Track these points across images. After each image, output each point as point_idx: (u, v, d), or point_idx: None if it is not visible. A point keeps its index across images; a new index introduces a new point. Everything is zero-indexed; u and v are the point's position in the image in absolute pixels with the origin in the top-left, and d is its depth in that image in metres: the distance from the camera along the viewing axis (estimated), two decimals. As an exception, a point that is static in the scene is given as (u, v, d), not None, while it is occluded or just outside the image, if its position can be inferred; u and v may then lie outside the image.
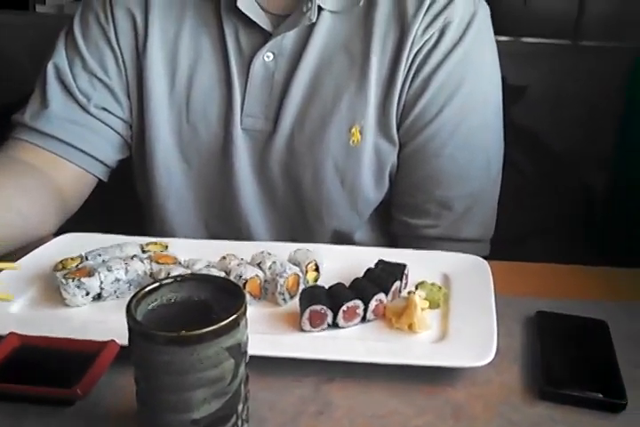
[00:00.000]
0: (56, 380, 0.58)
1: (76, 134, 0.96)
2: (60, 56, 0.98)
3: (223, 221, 1.04)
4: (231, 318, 0.49)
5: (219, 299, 0.53)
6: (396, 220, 1.03)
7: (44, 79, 0.97)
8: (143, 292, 0.52)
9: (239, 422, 0.52)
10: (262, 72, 0.95)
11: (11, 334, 0.62)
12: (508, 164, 1.02)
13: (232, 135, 0.97)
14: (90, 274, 0.72)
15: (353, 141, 0.94)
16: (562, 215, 1.29)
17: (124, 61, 0.98)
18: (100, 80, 0.98)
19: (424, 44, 0.91)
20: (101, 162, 1.00)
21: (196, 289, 0.54)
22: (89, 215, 1.06)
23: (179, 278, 0.54)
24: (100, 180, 1.02)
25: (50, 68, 0.97)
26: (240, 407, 0.52)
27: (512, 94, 1.08)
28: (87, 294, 0.72)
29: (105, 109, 0.98)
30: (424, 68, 0.92)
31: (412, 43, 0.91)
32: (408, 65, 0.92)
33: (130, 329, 0.49)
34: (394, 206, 1.02)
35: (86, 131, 0.97)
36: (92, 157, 0.98)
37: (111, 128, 0.99)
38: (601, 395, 0.60)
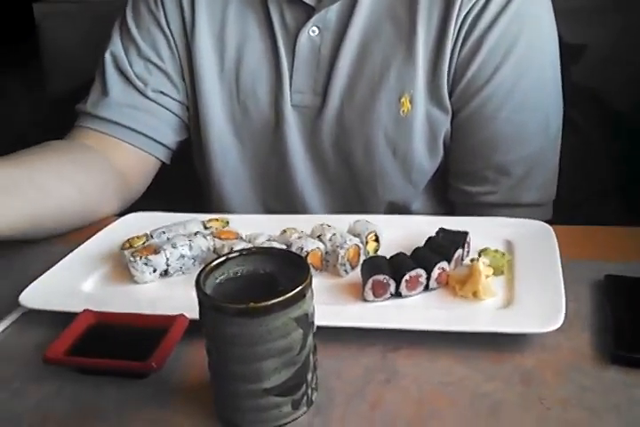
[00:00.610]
0: (131, 354, 0.60)
1: (137, 119, 0.99)
2: (116, 45, 1.01)
3: (279, 197, 1.05)
4: (298, 289, 0.49)
5: (283, 271, 0.54)
6: (454, 188, 1.01)
7: (103, 68, 1.00)
8: (210, 266, 0.53)
9: (309, 391, 0.53)
10: (308, 47, 0.95)
11: (85, 311, 0.64)
12: (567, 124, 0.99)
13: (282, 112, 0.97)
14: (156, 251, 0.74)
15: (403, 111, 0.93)
16: (621, 178, 1.25)
17: (175, 45, 1.00)
18: (155, 65, 1.00)
19: (473, 5, 0.88)
20: (162, 144, 1.02)
21: (261, 262, 0.55)
22: (151, 196, 1.08)
23: (244, 252, 0.55)
24: (162, 162, 1.04)
25: (107, 57, 1.00)
26: (309, 376, 0.53)
27: (571, 54, 1.04)
28: (154, 270, 0.74)
29: (162, 93, 1.00)
30: (474, 31, 0.89)
31: (461, 5, 0.88)
32: (457, 28, 0.89)
33: (200, 302, 0.50)
34: (450, 174, 1.01)
35: (146, 115, 1.00)
36: (152, 139, 1.01)
37: (169, 110, 1.02)
38: (675, 358, 0.59)
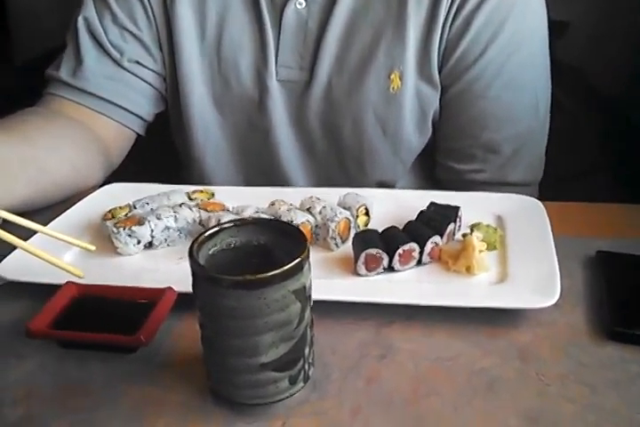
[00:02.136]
0: (117, 328, 0.57)
1: (113, 90, 0.95)
2: (89, 9, 0.96)
3: (262, 174, 1.02)
4: (296, 261, 0.47)
5: (279, 242, 0.52)
6: (441, 165, 1.00)
7: (76, 33, 0.95)
8: (203, 236, 0.50)
9: (306, 366, 0.52)
10: (295, 20, 0.91)
11: (68, 283, 0.62)
12: (551, 103, 0.98)
13: (267, 87, 0.94)
14: (140, 223, 0.71)
15: (393, 88, 0.91)
16: (607, 156, 1.25)
17: (153, 13, 0.96)
18: (131, 33, 0.95)
19: None
20: (139, 116, 0.99)
21: (256, 233, 0.53)
22: (128, 170, 1.05)
23: (238, 223, 0.52)
24: (138, 134, 1.01)
25: (80, 21, 0.95)
26: (307, 351, 0.51)
27: (554, 30, 1.03)
28: (139, 242, 0.71)
29: (138, 63, 0.96)
30: (466, 6, 0.87)
31: None
32: (448, 5, 0.87)
33: (194, 273, 0.48)
34: (438, 152, 1.00)
35: (122, 86, 0.96)
36: (129, 112, 0.97)
37: (145, 81, 0.98)
38: (672, 334, 0.58)
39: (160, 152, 1.14)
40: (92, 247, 0.60)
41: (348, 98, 0.93)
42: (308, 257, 0.49)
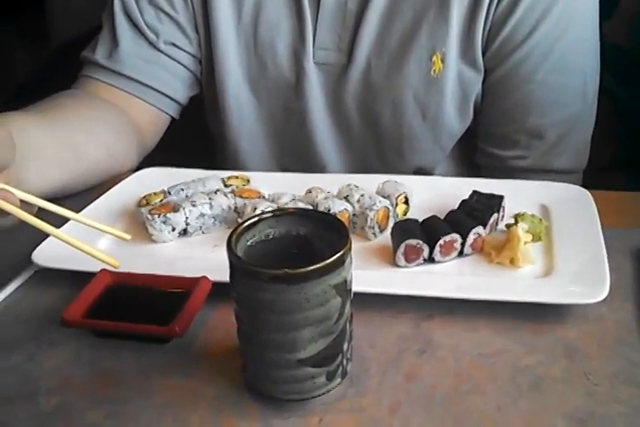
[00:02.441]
0: (151, 317, 0.57)
1: (148, 72, 0.94)
2: None
3: (297, 159, 1.00)
4: (338, 255, 0.46)
5: (319, 234, 0.50)
6: (483, 151, 0.97)
7: (112, 15, 0.94)
8: (242, 227, 0.49)
9: (344, 362, 0.50)
10: (334, 2, 0.89)
11: (102, 271, 0.61)
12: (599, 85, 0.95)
13: (304, 70, 0.92)
14: (175, 209, 0.70)
15: (434, 71, 0.88)
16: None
17: None
18: (167, 14, 0.94)
19: None
20: (174, 100, 0.97)
21: (295, 224, 0.51)
22: (162, 153, 1.04)
23: (277, 213, 0.51)
24: (172, 118, 0.99)
25: (116, 2, 0.94)
26: (345, 346, 0.50)
27: (603, 9, 0.98)
28: (173, 229, 0.70)
29: (174, 45, 0.95)
30: None
31: None
32: None
33: (231, 266, 0.46)
34: (480, 137, 0.97)
35: (157, 68, 0.95)
36: (164, 95, 0.96)
37: (181, 64, 0.96)
38: None
39: (194, 136, 1.13)
40: (128, 236, 0.59)
41: (387, 81, 0.90)
42: (349, 250, 0.48)
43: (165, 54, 0.95)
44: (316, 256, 0.46)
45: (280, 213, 0.51)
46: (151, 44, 0.94)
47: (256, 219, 0.50)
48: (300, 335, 0.46)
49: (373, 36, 0.89)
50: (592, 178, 0.99)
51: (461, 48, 0.88)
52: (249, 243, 0.50)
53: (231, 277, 0.47)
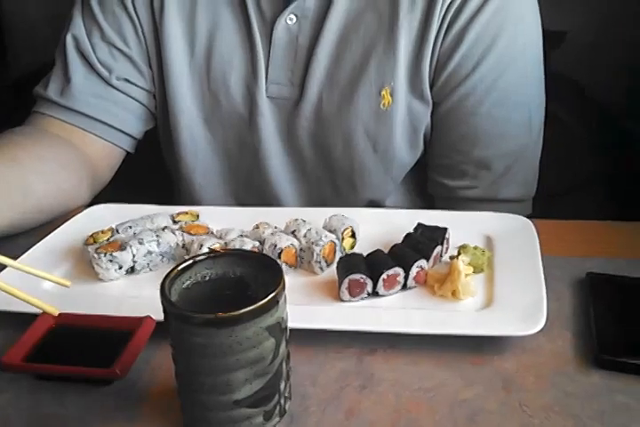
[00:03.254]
0: (94, 359, 0.57)
1: (101, 108, 0.95)
2: (78, 27, 0.95)
3: (251, 193, 1.01)
4: (270, 297, 0.46)
5: (255, 274, 0.51)
6: (433, 181, 0.99)
7: (64, 51, 0.95)
8: (176, 270, 0.49)
9: (282, 401, 0.51)
10: (285, 36, 0.91)
11: (44, 312, 0.61)
12: (546, 114, 0.97)
13: (257, 104, 0.93)
14: (122, 247, 0.70)
15: (383, 104, 0.90)
16: (601, 170, 1.23)
17: (142, 30, 0.95)
18: (120, 50, 0.95)
19: None
20: (128, 134, 0.98)
21: (231, 265, 0.52)
22: (118, 188, 1.04)
23: (212, 255, 0.51)
24: (127, 152, 1.00)
25: (69, 39, 0.95)
26: (282, 386, 0.50)
27: (551, 40, 1.01)
28: (120, 267, 0.70)
29: (127, 80, 0.96)
30: (458, 20, 0.86)
31: None
32: (440, 18, 0.86)
33: (165, 310, 0.47)
34: (429, 168, 0.98)
35: (110, 104, 0.95)
36: (117, 130, 0.97)
37: (134, 99, 0.97)
38: (661, 362, 0.57)
39: (152, 170, 1.13)
40: (67, 283, 0.59)
41: (338, 115, 0.92)
42: (283, 290, 0.48)
43: (118, 90, 0.95)
44: (250, 298, 0.46)
45: (216, 255, 0.52)
46: (104, 79, 0.95)
47: (191, 261, 0.50)
48: (233, 377, 0.47)
49: (324, 71, 0.91)
50: (545, 204, 1.01)
51: (409, 82, 0.90)
52: (184, 285, 0.50)
53: (165, 320, 0.48)
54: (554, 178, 1.07)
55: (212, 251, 0.52)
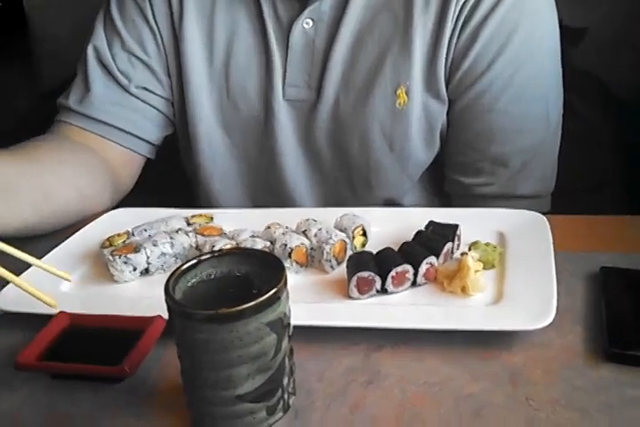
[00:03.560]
0: (106, 357, 0.58)
1: (119, 116, 0.97)
2: (99, 37, 0.98)
3: (269, 195, 1.02)
4: (271, 293, 0.47)
5: (259, 272, 0.52)
6: (449, 179, 0.99)
7: (85, 62, 0.98)
8: (181, 269, 0.51)
9: (285, 396, 0.51)
10: (302, 40, 0.92)
11: (60, 313, 0.63)
12: (566, 110, 0.96)
13: (274, 107, 0.94)
14: (136, 250, 0.72)
15: (399, 104, 0.90)
16: (621, 166, 1.21)
17: (162, 39, 0.97)
18: (139, 59, 0.97)
19: None
20: (146, 141, 1.00)
21: (236, 263, 0.53)
22: (140, 191, 1.06)
23: (216, 253, 0.52)
24: (148, 158, 1.02)
25: (90, 50, 0.98)
26: (285, 381, 0.51)
27: (571, 37, 1.01)
28: (134, 269, 0.72)
29: (146, 89, 0.98)
30: (472, 19, 0.86)
31: None
32: (455, 18, 0.86)
33: (168, 308, 0.48)
34: (446, 165, 0.98)
35: (129, 111, 0.97)
36: (136, 137, 0.99)
37: (153, 107, 0.99)
38: (671, 355, 0.56)
39: (172, 175, 1.15)
40: (68, 276, 0.63)
41: (355, 115, 0.92)
42: (284, 287, 0.49)
43: (137, 98, 0.98)
44: (253, 295, 0.47)
45: (220, 254, 0.53)
46: (123, 88, 0.97)
47: (195, 260, 0.51)
48: (235, 372, 0.48)
49: (340, 72, 0.91)
50: (564, 201, 1.00)
51: (425, 81, 0.90)
52: (189, 284, 0.51)
53: (169, 318, 0.49)
54: (575, 175, 1.06)
55: (215, 250, 0.53)
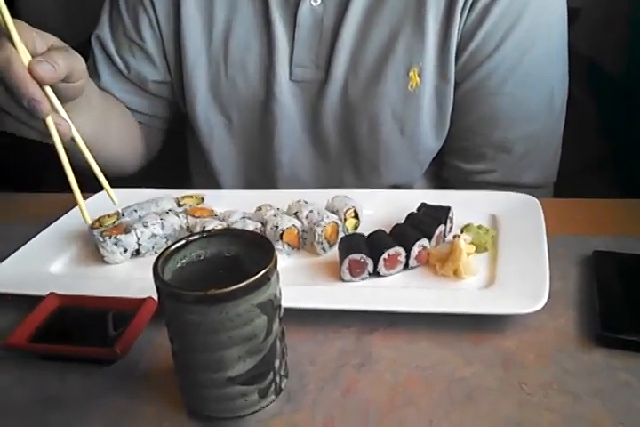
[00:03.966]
0: (97, 339, 0.58)
1: (130, 101, 1.00)
2: (103, 27, 0.98)
3: (268, 179, 1.00)
4: (261, 274, 0.46)
5: (249, 253, 0.51)
6: (450, 165, 0.97)
7: (93, 52, 0.98)
8: (170, 250, 0.50)
9: (277, 378, 0.51)
10: (310, 18, 0.89)
11: (50, 294, 0.62)
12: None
13: (279, 88, 0.92)
14: (126, 231, 0.71)
15: (411, 86, 0.87)
16: (614, 150, 1.20)
17: (157, 20, 0.95)
18: (137, 45, 0.96)
19: None
20: (160, 117, 1.03)
21: (226, 244, 0.52)
22: (141, 176, 1.05)
23: (205, 234, 0.52)
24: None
25: (94, 40, 0.98)
26: (277, 363, 0.51)
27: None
28: (125, 250, 0.71)
29: (144, 76, 0.98)
30: (480, 1, 0.84)
31: None
32: None
33: (157, 289, 0.48)
34: (447, 151, 0.96)
35: (137, 97, 1.00)
36: (150, 115, 1.02)
37: (155, 94, 1.00)
38: (663, 339, 0.56)
39: (166, 158, 1.14)
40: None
41: (364, 96, 0.90)
42: (274, 268, 0.49)
43: (137, 85, 0.99)
44: (243, 276, 0.47)
45: (210, 234, 0.52)
46: (125, 76, 0.98)
47: (184, 241, 0.51)
48: (226, 354, 0.47)
49: (349, 52, 0.89)
50: (558, 185, 0.99)
51: (438, 62, 0.87)
52: (179, 265, 0.51)
53: (159, 300, 0.48)
54: (567, 158, 1.05)
55: (204, 231, 0.52)
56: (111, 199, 0.65)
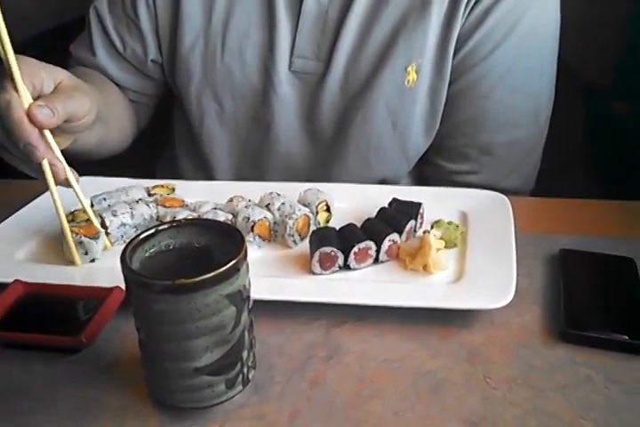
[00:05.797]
0: (62, 327, 0.57)
1: (122, 79, 0.98)
2: (101, 2, 0.96)
3: (256, 169, 0.98)
4: (230, 264, 0.46)
5: (219, 244, 0.51)
6: (433, 163, 0.97)
7: (89, 25, 0.97)
8: (139, 239, 0.50)
9: (245, 369, 0.51)
10: (315, 9, 0.88)
11: (15, 281, 0.61)
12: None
13: (277, 78, 0.91)
14: (95, 236, 0.69)
15: (408, 81, 0.87)
16: (587, 151, 1.22)
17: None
18: (132, 21, 0.95)
19: None
20: (149, 95, 1.02)
21: (195, 234, 0.52)
22: (120, 162, 1.04)
23: (175, 224, 0.51)
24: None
25: (91, 11, 0.96)
26: (245, 354, 0.51)
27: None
28: (86, 253, 0.69)
29: (138, 53, 0.96)
30: (481, 2, 0.84)
31: None
32: None
33: (125, 278, 0.47)
34: (432, 150, 0.96)
35: (130, 74, 0.98)
36: (140, 93, 1.01)
37: (147, 75, 0.99)
38: (626, 336, 0.57)
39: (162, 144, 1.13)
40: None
41: (362, 90, 0.89)
42: (244, 259, 0.48)
43: (131, 63, 0.97)
44: (212, 266, 0.46)
45: (179, 224, 0.52)
46: (120, 54, 0.96)
47: (153, 230, 0.50)
48: (193, 345, 0.47)
49: (351, 45, 0.88)
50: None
51: (436, 59, 0.87)
52: (147, 254, 0.50)
53: (126, 289, 0.48)
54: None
55: (174, 220, 0.52)
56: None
